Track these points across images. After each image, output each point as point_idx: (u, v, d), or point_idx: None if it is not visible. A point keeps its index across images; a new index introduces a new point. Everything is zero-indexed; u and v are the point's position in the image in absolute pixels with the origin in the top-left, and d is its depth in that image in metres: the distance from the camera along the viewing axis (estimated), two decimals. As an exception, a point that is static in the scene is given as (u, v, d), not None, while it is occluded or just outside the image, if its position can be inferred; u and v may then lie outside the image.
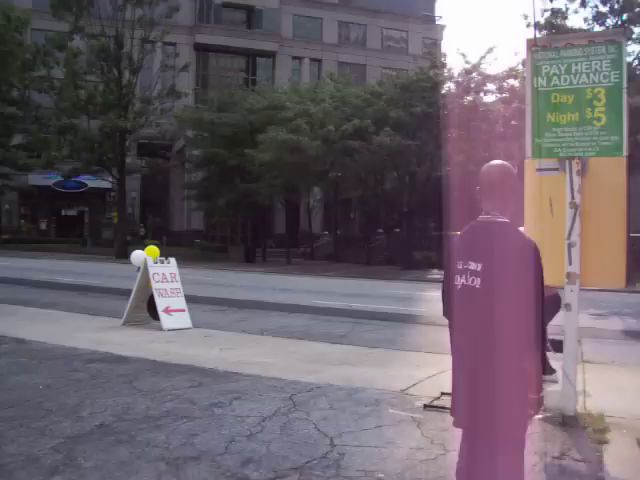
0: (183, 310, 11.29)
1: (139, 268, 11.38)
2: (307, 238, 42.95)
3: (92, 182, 46.81)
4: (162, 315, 10.95)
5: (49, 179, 48.40)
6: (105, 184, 44.14)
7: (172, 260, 11.63)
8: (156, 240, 46.34)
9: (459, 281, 3.15)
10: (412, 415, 5.92)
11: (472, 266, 3.10)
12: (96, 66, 38.85)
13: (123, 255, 34.82)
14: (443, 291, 3.39)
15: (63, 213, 56.00)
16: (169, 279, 11.32)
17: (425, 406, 6.18)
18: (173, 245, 44.53)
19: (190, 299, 11.75)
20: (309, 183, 38.69)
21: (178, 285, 11.41)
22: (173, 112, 42.21)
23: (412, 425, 5.66)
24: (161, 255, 11.83)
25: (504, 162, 3.31)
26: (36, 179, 49.18)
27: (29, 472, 4.49)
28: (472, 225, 3.25)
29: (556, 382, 6.26)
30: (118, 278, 18.60)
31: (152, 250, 11.59)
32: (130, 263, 11.88)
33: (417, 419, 5.78)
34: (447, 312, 3.33)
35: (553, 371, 6.57)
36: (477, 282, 3.07)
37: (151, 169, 46.79)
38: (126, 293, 12.11)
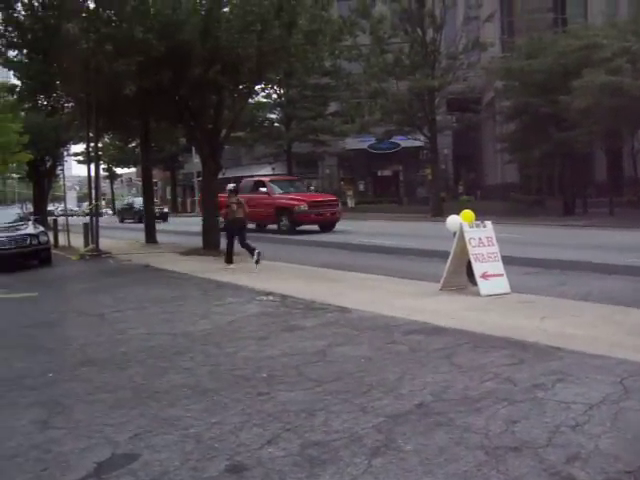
0: (501, 275, 11.05)
1: (455, 233, 11.37)
2: (633, 185, 39.73)
3: (405, 141, 47.93)
4: (480, 281, 10.84)
5: (364, 142, 50.60)
6: (417, 142, 44.91)
7: (488, 224, 11.44)
8: (470, 196, 46.36)
9: None
10: None
11: None
12: (400, 28, 39.30)
13: (439, 213, 35.22)
14: None
15: (379, 174, 58.43)
16: (485, 243, 11.16)
17: None
18: (487, 199, 44.08)
19: (505, 260, 11.41)
20: (633, 126, 35.55)
21: (495, 249, 11.20)
22: (480, 64, 41.38)
23: None
24: (475, 210, 11.74)
25: None
26: (352, 143, 51.86)
27: (353, 451, 4.59)
28: None
29: None
30: (434, 239, 18.72)
31: (467, 215, 11.51)
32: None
33: None
34: None
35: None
36: None
37: (461, 124, 46.52)
38: (442, 255, 12.10)
